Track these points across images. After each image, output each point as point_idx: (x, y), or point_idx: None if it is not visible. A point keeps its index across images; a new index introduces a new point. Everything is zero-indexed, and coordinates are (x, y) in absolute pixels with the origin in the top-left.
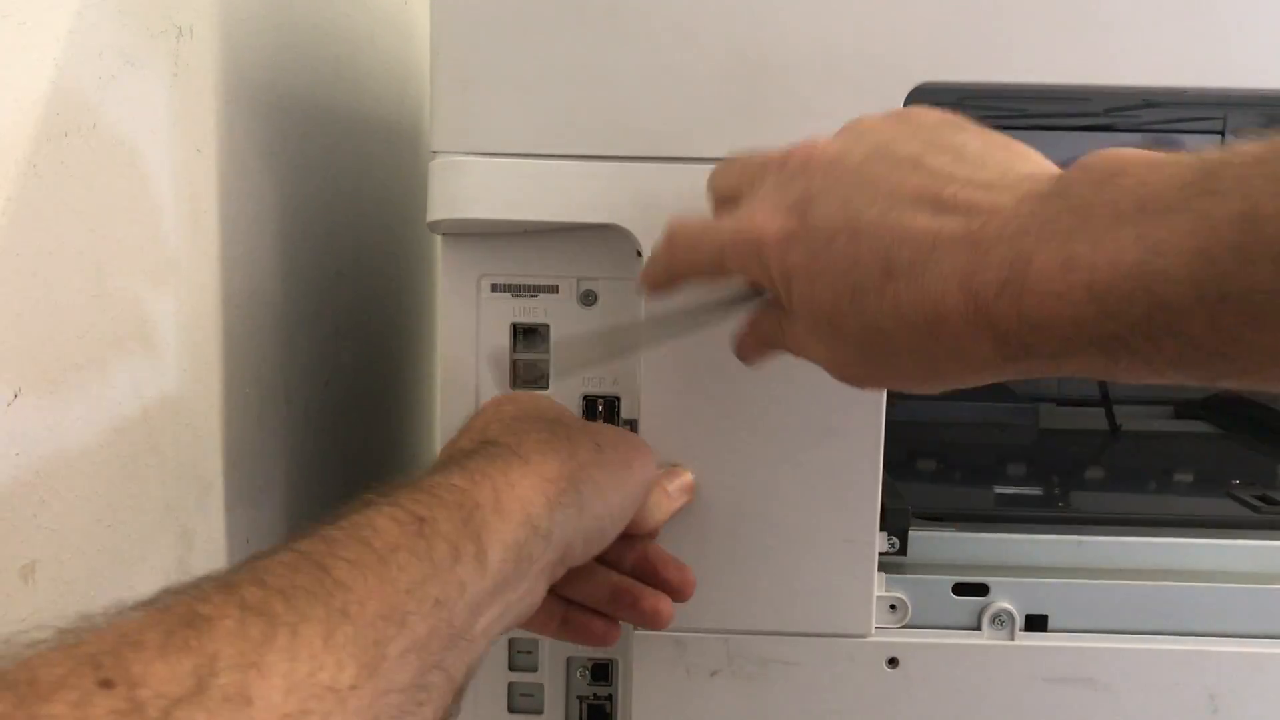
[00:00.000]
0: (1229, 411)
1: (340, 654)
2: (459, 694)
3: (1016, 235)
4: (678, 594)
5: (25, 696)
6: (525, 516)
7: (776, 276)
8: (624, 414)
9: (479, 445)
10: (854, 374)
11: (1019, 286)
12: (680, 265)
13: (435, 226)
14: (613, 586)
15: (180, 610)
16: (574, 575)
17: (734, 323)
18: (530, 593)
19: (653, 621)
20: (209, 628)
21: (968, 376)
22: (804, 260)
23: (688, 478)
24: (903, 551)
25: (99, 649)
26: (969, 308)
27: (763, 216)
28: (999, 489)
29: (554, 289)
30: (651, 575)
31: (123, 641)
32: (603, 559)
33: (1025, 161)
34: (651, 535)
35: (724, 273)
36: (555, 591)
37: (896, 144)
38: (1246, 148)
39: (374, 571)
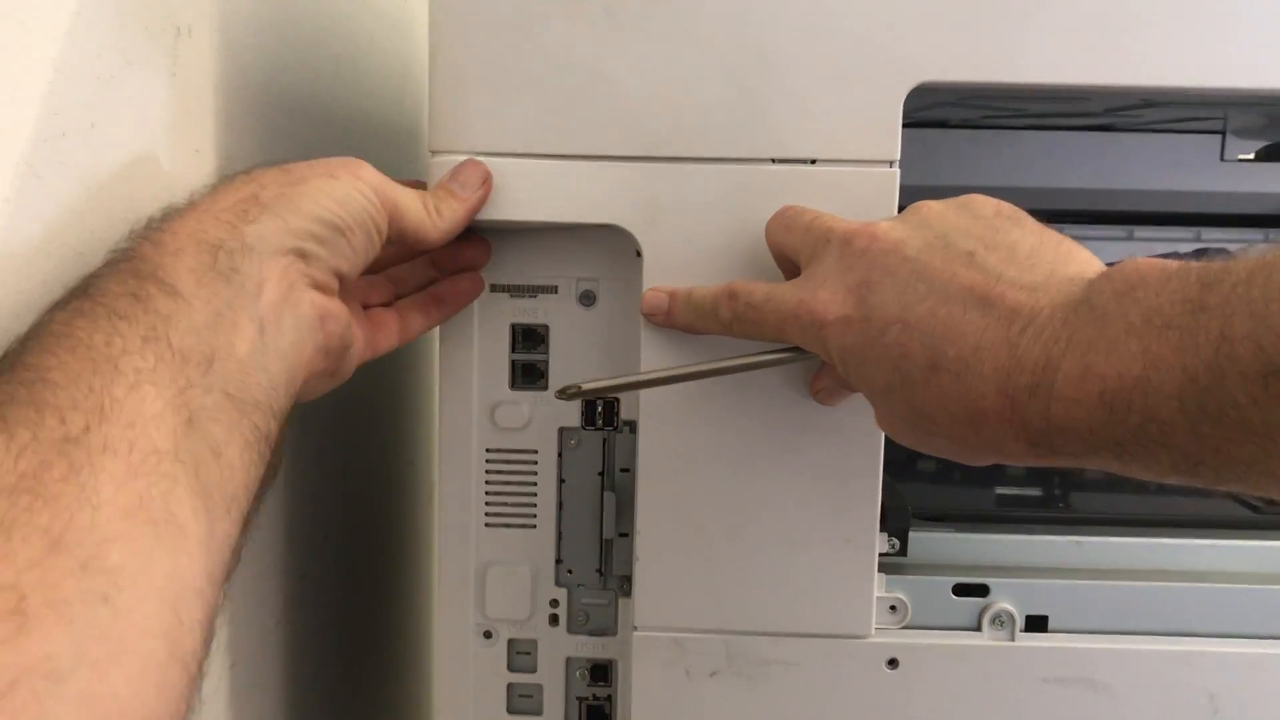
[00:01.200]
0: None
1: (58, 411)
2: (270, 412)
3: (1050, 342)
4: (474, 266)
5: None
6: (198, 244)
7: (835, 356)
8: (623, 414)
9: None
10: (900, 438)
11: (1047, 391)
12: (738, 325)
13: None
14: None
15: None
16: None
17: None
18: (289, 301)
19: (470, 293)
20: None
21: (1003, 460)
22: (860, 345)
23: (480, 168)
24: (903, 552)
25: None
26: (1005, 408)
27: (825, 296)
28: (999, 489)
29: (553, 289)
30: (453, 261)
31: None
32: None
33: (1071, 262)
34: (438, 240)
35: (781, 340)
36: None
37: (954, 236)
38: (1242, 263)
39: (63, 346)
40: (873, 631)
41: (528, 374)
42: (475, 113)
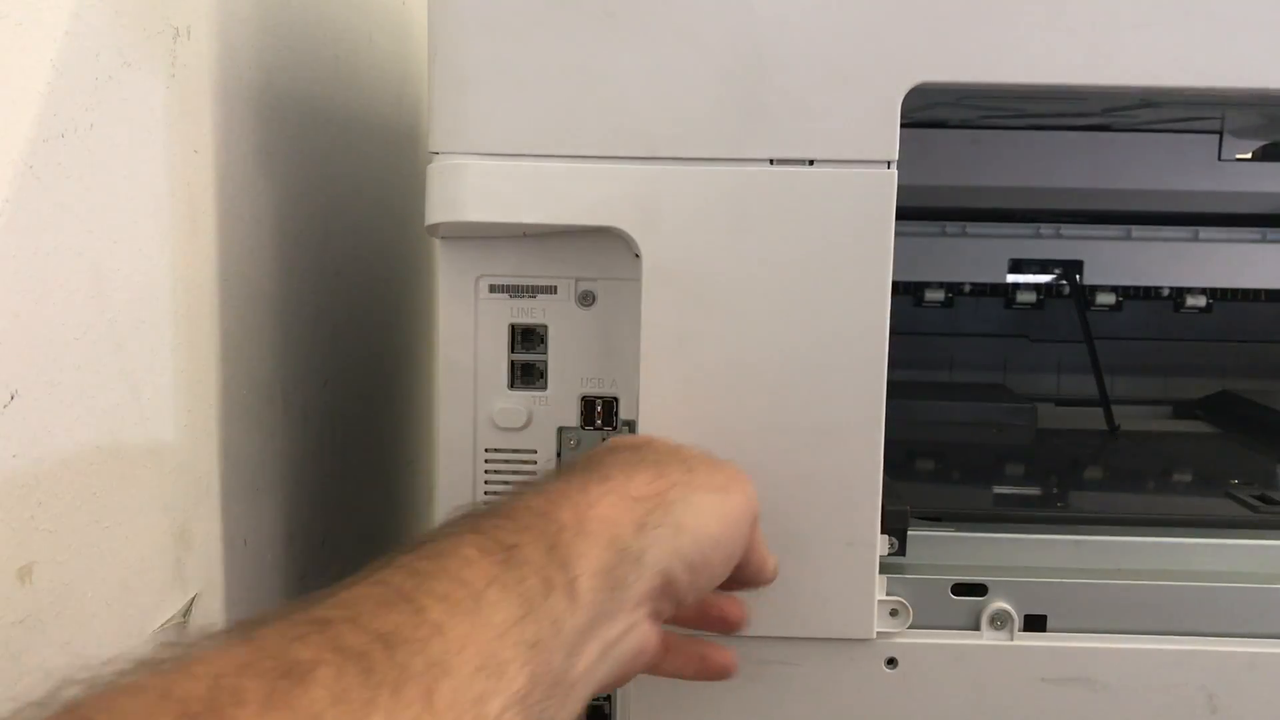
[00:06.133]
0: (1228, 411)
1: (444, 717)
2: None
3: None
4: (736, 626)
5: None
6: (611, 537)
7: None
8: (623, 414)
9: (558, 471)
10: None
11: None
12: None
13: (434, 230)
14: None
15: (274, 650)
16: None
17: None
18: (631, 630)
19: (720, 673)
20: (310, 679)
21: None
22: None
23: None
24: (901, 552)
25: (193, 693)
26: None
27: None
28: (998, 489)
29: (552, 289)
30: (706, 617)
31: (219, 689)
32: None
33: None
34: (765, 581)
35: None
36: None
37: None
38: None
39: (467, 612)
40: (874, 635)
41: (527, 374)
42: (475, 113)
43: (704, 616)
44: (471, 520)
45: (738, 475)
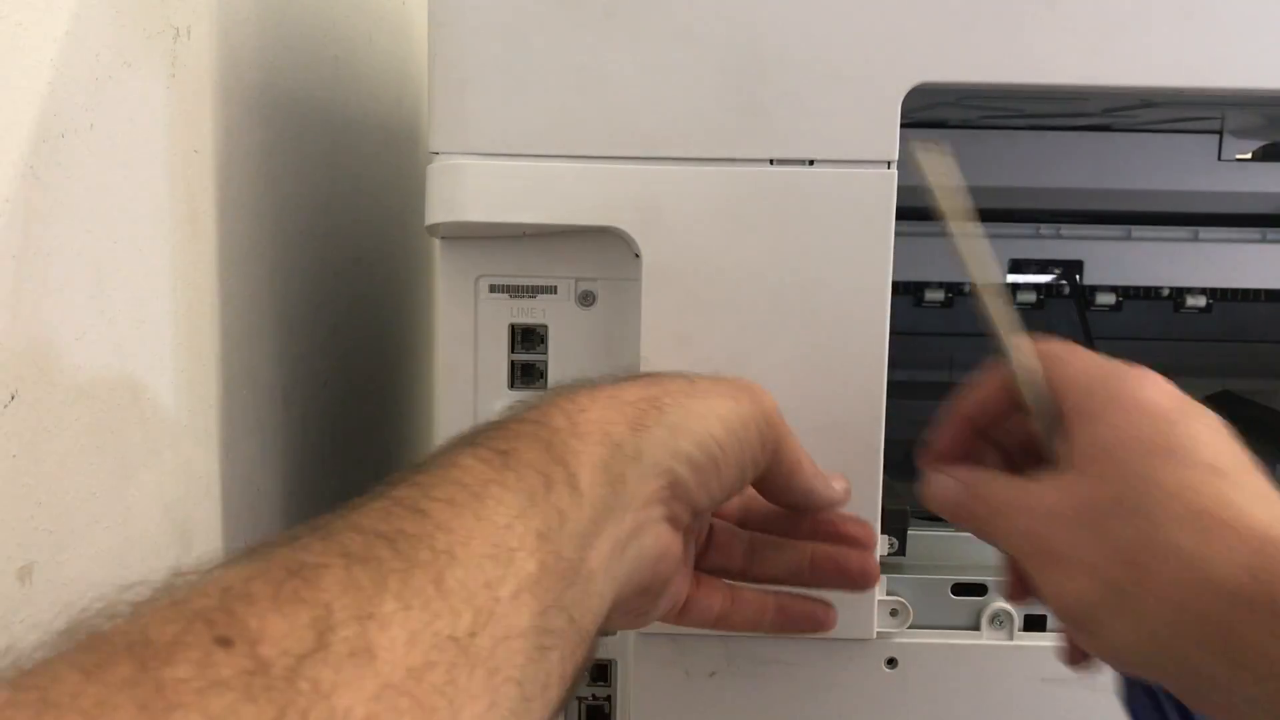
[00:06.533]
0: (1228, 411)
1: (453, 599)
2: (591, 644)
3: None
4: (866, 546)
5: (145, 660)
6: (604, 435)
7: None
8: None
9: (548, 390)
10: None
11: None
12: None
13: (434, 230)
14: (811, 554)
15: (281, 559)
16: (762, 550)
17: None
18: (645, 530)
19: (863, 580)
20: (316, 576)
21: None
22: None
23: (843, 482)
24: (901, 552)
25: (207, 604)
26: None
27: None
28: None
29: (552, 289)
30: (835, 537)
31: (230, 595)
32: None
33: None
34: (807, 506)
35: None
36: (755, 577)
37: None
38: None
39: (471, 509)
40: (874, 635)
41: (527, 374)
42: (475, 113)
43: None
44: (466, 437)
45: (748, 385)
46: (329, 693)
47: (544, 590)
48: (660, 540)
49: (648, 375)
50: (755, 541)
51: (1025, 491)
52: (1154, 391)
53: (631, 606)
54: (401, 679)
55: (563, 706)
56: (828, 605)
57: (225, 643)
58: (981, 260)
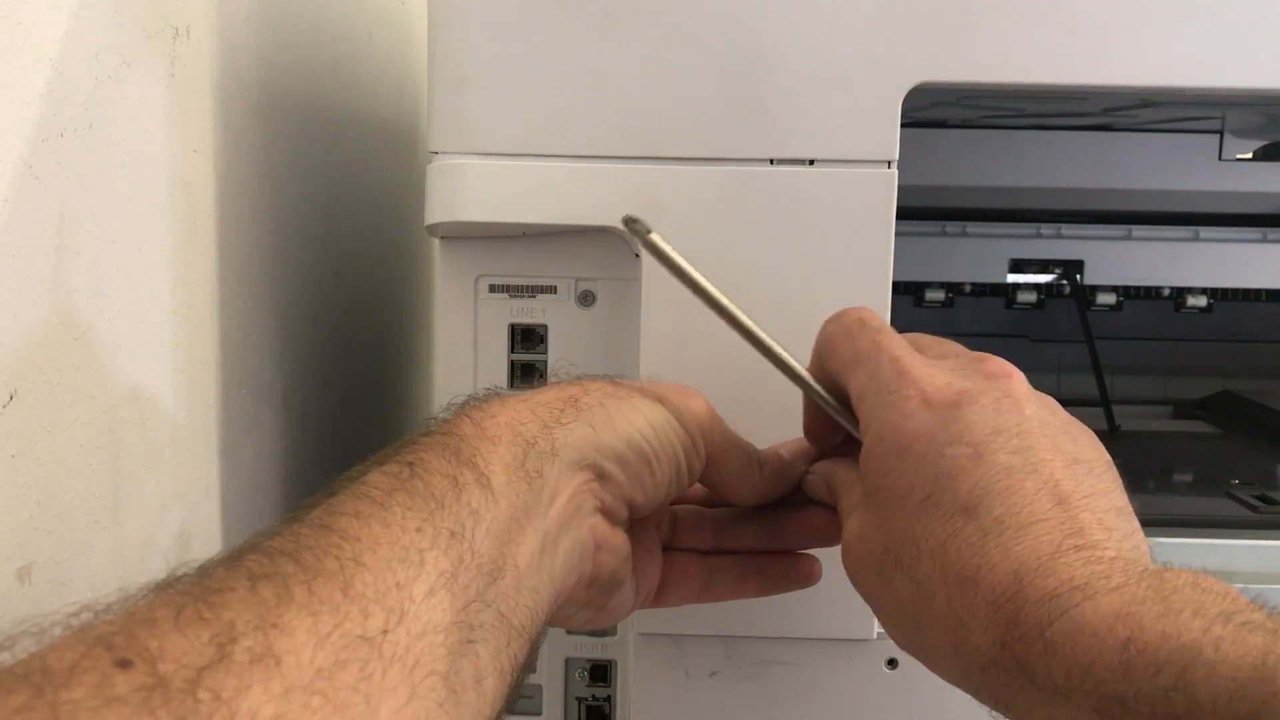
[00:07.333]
0: (1228, 411)
1: (362, 602)
2: (533, 638)
3: (1100, 577)
4: (829, 504)
5: (41, 686)
6: (515, 435)
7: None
8: None
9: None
10: (864, 567)
11: (1063, 606)
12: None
13: (434, 230)
14: (777, 518)
15: (186, 587)
16: (730, 525)
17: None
18: (573, 521)
19: (830, 534)
20: (221, 599)
21: (940, 652)
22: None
23: (783, 457)
24: None
25: (108, 630)
26: (1008, 588)
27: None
28: None
29: (552, 289)
30: (799, 502)
31: (132, 620)
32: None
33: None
34: (750, 497)
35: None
36: (730, 551)
37: (1062, 437)
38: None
39: (378, 519)
40: (874, 635)
41: (526, 374)
42: (474, 113)
43: (785, 531)
44: (375, 457)
45: (679, 389)
46: (231, 699)
47: (462, 587)
48: (596, 532)
49: (569, 380)
50: (721, 517)
51: (844, 524)
52: (917, 406)
53: (584, 599)
54: (310, 679)
55: (510, 700)
56: (811, 558)
57: (124, 664)
58: (733, 312)
